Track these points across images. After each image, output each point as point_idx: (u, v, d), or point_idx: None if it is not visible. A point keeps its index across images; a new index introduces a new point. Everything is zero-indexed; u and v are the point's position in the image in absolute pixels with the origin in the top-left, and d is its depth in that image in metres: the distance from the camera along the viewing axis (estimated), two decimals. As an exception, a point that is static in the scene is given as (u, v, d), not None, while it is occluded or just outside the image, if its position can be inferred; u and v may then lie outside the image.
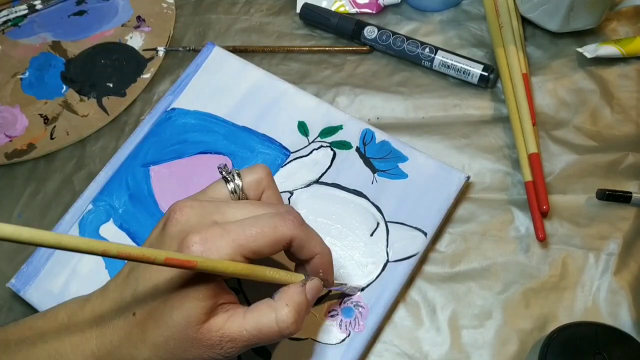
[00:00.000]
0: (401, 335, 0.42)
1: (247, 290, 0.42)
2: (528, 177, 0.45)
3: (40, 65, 0.57)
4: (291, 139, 0.48)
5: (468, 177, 0.45)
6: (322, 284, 0.35)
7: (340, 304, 0.41)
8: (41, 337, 0.34)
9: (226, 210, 0.33)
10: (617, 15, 0.51)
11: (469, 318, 0.42)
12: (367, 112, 0.50)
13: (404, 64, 0.52)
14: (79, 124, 0.53)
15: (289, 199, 0.46)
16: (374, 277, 0.42)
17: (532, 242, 0.44)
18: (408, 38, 0.51)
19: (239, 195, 0.36)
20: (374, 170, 0.46)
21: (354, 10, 0.55)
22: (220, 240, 0.31)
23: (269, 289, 0.34)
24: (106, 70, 0.56)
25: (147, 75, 0.55)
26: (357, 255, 0.43)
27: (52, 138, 0.53)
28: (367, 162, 0.46)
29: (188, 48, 0.56)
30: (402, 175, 0.45)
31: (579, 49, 0.49)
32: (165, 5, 0.59)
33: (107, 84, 0.55)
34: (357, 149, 0.47)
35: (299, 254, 0.34)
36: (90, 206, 0.47)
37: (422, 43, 0.51)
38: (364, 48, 0.53)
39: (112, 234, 0.46)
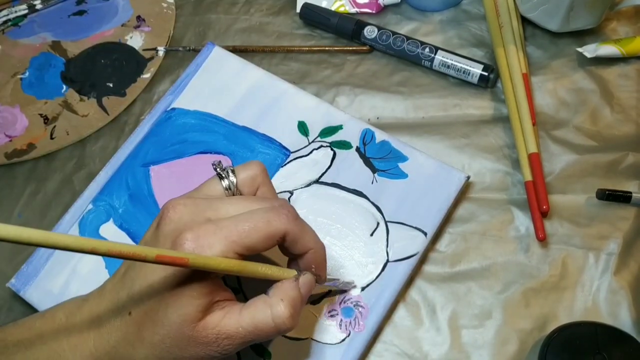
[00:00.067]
0: (401, 335, 0.42)
1: (247, 290, 0.42)
2: (528, 177, 0.45)
3: (40, 65, 0.57)
4: (291, 138, 0.48)
5: (468, 177, 0.45)
6: (314, 279, 0.35)
7: (340, 303, 0.41)
8: (39, 337, 0.34)
9: (219, 207, 0.33)
10: (617, 15, 0.51)
11: (469, 318, 0.42)
12: (367, 112, 0.50)
13: (404, 64, 0.52)
14: (79, 124, 0.54)
15: (289, 198, 0.46)
16: (374, 277, 0.42)
17: (532, 242, 0.44)
18: (408, 38, 0.51)
19: (234, 192, 0.35)
20: (374, 170, 0.46)
21: (354, 10, 0.55)
22: (212, 237, 0.31)
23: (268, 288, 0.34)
24: (106, 70, 0.56)
25: (147, 75, 0.55)
26: (357, 255, 0.43)
27: (52, 138, 0.53)
28: (367, 162, 0.46)
29: (188, 48, 0.56)
30: (402, 175, 0.45)
31: (579, 49, 0.49)
32: (165, 5, 0.59)
33: (107, 83, 0.55)
34: (357, 149, 0.47)
35: (293, 248, 0.34)
36: (90, 206, 0.47)
37: (422, 43, 0.51)
38: (364, 48, 0.53)
39: (112, 233, 0.46)
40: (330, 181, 0.46)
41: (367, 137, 0.47)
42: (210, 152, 0.48)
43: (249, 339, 0.32)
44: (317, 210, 0.45)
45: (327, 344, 0.40)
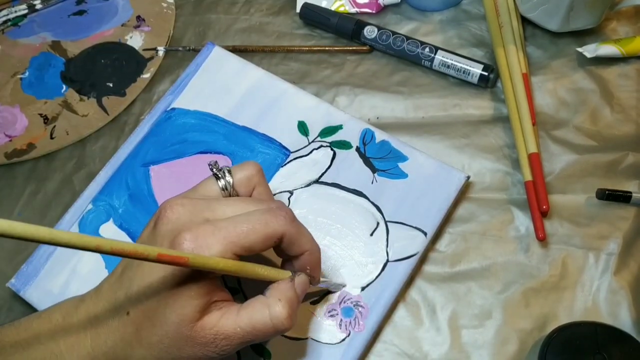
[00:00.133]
0: (401, 335, 0.42)
1: (247, 290, 0.42)
2: (528, 176, 0.45)
3: (40, 65, 0.57)
4: (291, 138, 0.48)
5: (468, 177, 0.45)
6: (309, 280, 0.36)
7: (340, 303, 0.41)
8: (36, 338, 0.34)
9: (217, 208, 0.33)
10: (617, 15, 0.51)
11: (469, 318, 0.42)
12: (367, 111, 0.50)
13: (404, 64, 0.52)
14: (79, 124, 0.53)
15: (288, 198, 0.46)
16: (374, 277, 0.42)
17: (532, 242, 0.44)
18: (408, 38, 0.51)
19: (230, 192, 0.36)
20: (373, 170, 0.46)
21: (353, 10, 0.55)
22: (211, 238, 0.31)
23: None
24: (106, 70, 0.56)
25: (147, 75, 0.55)
26: (357, 255, 0.43)
27: (52, 138, 0.53)
28: (367, 161, 0.46)
29: (188, 48, 0.56)
30: (402, 175, 0.45)
31: (579, 49, 0.49)
32: (165, 5, 0.59)
33: (107, 83, 0.55)
34: (357, 149, 0.47)
35: (289, 250, 0.34)
36: (90, 206, 0.47)
37: (422, 43, 0.51)
38: (364, 48, 0.53)
39: (112, 233, 0.46)
40: (330, 181, 0.46)
41: (367, 137, 0.47)
42: (210, 152, 0.48)
43: (247, 339, 0.32)
44: (317, 210, 0.45)
45: (327, 343, 0.40)
